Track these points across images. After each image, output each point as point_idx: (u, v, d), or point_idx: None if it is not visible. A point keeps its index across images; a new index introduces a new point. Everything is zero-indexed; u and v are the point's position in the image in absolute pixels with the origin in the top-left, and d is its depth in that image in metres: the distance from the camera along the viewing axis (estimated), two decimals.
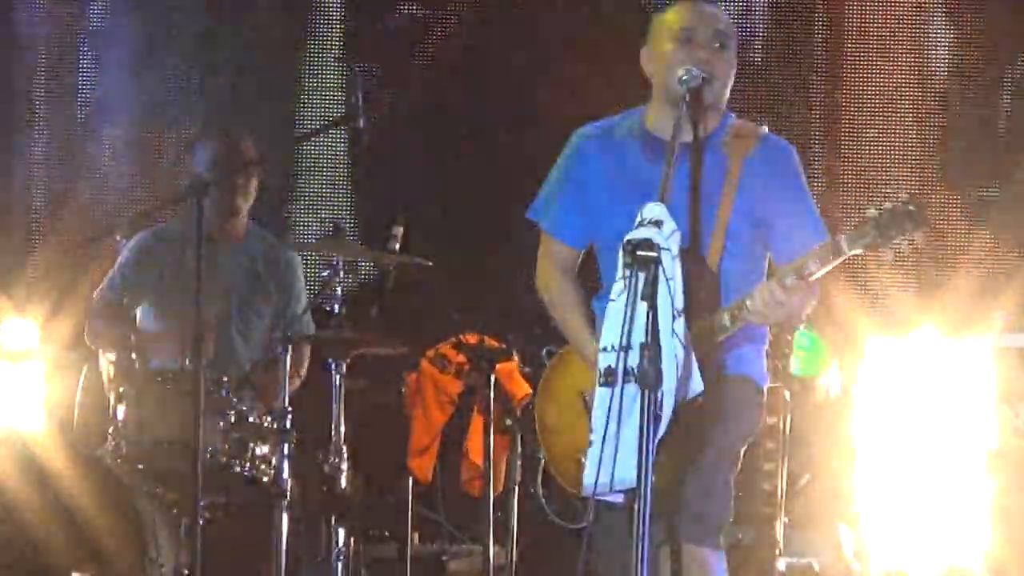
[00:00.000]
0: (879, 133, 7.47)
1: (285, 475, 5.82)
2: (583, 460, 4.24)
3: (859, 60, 7.46)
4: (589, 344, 4.69)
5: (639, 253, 3.97)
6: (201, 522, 5.60)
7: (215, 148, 6.35)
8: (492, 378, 6.21)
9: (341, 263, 5.98)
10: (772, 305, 4.40)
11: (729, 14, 5.18)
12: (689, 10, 4.65)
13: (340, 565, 5.85)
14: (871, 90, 7.47)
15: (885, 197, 4.36)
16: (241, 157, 6.32)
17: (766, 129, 4.71)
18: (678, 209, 4.30)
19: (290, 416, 5.83)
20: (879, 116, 7.49)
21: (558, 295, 4.83)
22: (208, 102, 7.45)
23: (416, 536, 7.11)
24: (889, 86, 7.44)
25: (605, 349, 4.11)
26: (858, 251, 4.36)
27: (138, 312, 6.38)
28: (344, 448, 5.87)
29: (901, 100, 7.45)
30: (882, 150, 7.46)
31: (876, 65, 7.43)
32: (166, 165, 6.57)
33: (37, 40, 7.53)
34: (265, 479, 5.94)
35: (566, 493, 4.77)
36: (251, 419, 5.97)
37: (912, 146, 7.39)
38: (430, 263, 6.10)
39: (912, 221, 4.31)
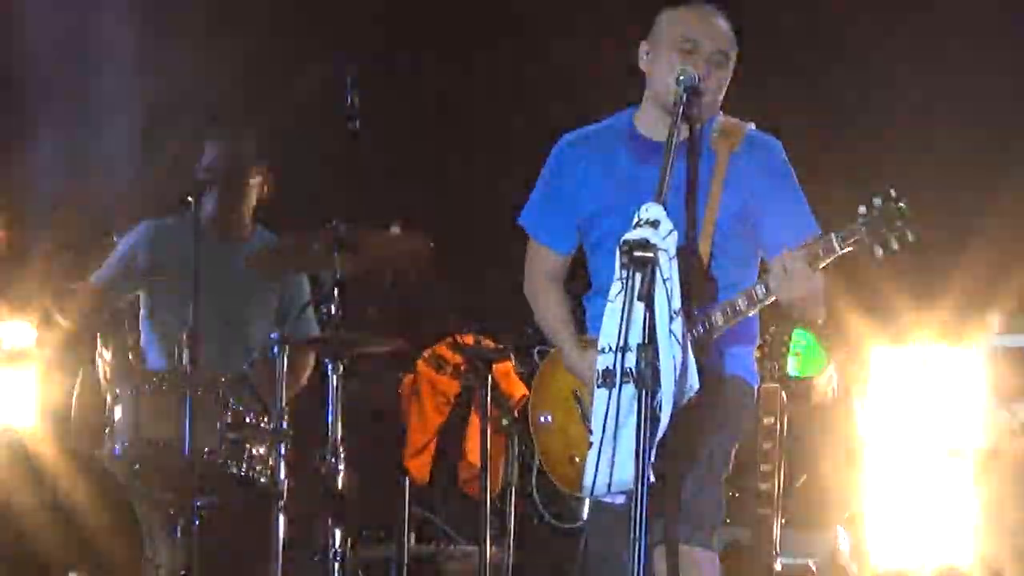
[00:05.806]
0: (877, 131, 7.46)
1: (282, 475, 5.82)
2: (576, 459, 4.23)
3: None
4: (573, 352, 4.72)
5: (636, 254, 3.96)
6: (197, 522, 5.60)
7: (218, 148, 6.38)
8: (489, 378, 6.21)
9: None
10: (792, 276, 4.32)
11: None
12: (696, 19, 4.61)
13: (337, 565, 5.84)
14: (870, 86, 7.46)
15: (874, 194, 4.31)
16: (241, 158, 6.37)
17: (752, 125, 4.71)
18: (669, 208, 4.30)
19: (287, 416, 5.83)
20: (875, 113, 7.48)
21: (543, 302, 4.87)
22: (208, 103, 7.46)
23: (413, 536, 7.12)
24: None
25: (603, 350, 4.11)
26: (850, 249, 4.34)
27: (140, 314, 6.40)
28: (341, 448, 5.87)
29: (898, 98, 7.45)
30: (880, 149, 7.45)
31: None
32: (166, 165, 6.57)
33: (40, 41, 7.53)
34: (262, 479, 5.95)
35: (561, 493, 4.77)
36: (248, 419, 5.98)
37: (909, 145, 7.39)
38: (431, 243, 6.05)
39: (902, 218, 4.28)
